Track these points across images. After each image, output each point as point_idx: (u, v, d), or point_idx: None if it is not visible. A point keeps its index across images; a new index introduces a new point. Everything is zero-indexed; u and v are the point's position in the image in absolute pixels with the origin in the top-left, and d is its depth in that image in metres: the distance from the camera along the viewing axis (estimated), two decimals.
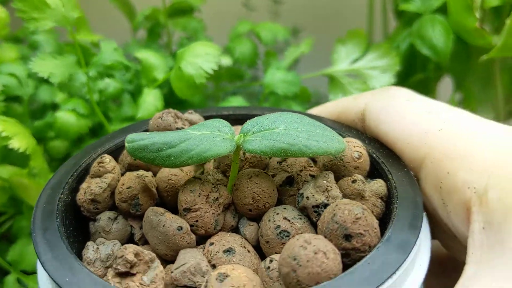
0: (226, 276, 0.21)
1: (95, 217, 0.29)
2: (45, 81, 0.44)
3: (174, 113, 0.33)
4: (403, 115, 0.30)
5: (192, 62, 0.39)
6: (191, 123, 0.34)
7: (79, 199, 0.29)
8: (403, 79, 0.61)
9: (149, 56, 0.46)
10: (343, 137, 0.31)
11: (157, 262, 0.24)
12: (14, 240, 0.43)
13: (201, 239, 0.27)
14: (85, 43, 0.51)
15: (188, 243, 0.25)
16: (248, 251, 0.25)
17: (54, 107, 0.50)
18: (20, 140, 0.38)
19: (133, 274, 0.23)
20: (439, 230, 0.29)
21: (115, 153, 0.32)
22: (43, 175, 0.42)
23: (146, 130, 0.34)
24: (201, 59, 0.38)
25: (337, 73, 0.51)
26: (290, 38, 0.75)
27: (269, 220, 0.26)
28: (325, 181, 0.26)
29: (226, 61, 0.48)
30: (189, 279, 0.23)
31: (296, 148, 0.25)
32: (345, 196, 0.27)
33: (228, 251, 0.25)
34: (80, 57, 0.41)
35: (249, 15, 0.76)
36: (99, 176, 0.29)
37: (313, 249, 0.21)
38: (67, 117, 0.45)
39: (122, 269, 0.23)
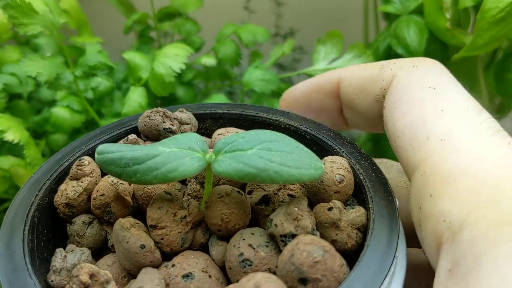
0: None
1: (71, 220, 0.28)
2: None
3: (162, 112, 0.32)
4: (415, 108, 0.24)
5: (162, 62, 0.41)
6: (181, 122, 0.33)
7: (56, 201, 0.28)
8: None
9: (134, 57, 0.47)
10: (334, 153, 0.29)
11: (112, 284, 0.23)
12: None
13: (169, 255, 0.25)
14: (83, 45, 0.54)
15: (151, 261, 0.24)
16: (210, 276, 0.24)
17: (54, 103, 0.52)
18: (13, 133, 0.41)
19: None
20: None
21: None
22: (37, 165, 0.45)
23: (135, 128, 0.34)
24: (171, 59, 0.40)
25: (315, 72, 0.52)
26: (288, 38, 0.76)
27: (234, 246, 0.24)
28: (296, 209, 0.24)
29: (209, 61, 0.50)
30: None
31: (265, 174, 0.22)
32: (319, 223, 0.25)
33: (187, 276, 0.23)
34: (67, 58, 0.43)
35: (250, 17, 0.77)
36: (77, 179, 0.28)
37: None
38: (61, 112, 0.48)
39: None
